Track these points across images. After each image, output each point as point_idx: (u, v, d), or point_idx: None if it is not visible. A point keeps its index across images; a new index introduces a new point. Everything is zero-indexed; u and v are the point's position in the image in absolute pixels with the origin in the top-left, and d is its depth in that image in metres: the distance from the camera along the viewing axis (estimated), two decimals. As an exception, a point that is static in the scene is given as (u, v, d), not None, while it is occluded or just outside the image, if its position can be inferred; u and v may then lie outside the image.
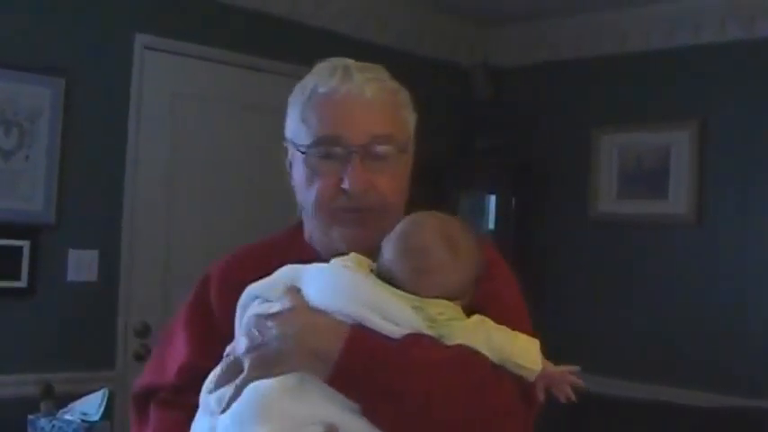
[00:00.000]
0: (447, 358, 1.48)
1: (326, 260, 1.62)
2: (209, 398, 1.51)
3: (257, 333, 1.49)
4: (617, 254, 5.30)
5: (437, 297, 1.54)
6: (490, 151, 5.63)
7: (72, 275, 4.09)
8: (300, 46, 4.85)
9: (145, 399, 1.72)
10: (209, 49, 4.53)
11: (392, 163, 1.69)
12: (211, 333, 1.67)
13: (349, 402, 1.43)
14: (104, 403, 3.49)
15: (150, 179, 4.35)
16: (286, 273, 1.58)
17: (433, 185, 5.43)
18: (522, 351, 1.55)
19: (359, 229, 1.66)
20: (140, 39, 4.29)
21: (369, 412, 1.43)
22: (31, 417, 3.52)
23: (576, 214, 5.47)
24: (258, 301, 1.57)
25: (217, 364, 1.55)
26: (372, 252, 1.60)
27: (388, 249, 1.57)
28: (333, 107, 1.66)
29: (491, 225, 5.56)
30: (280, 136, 1.80)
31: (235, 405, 1.42)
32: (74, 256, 4.09)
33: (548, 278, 5.43)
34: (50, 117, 3.99)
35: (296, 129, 1.71)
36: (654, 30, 5.16)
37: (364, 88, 1.67)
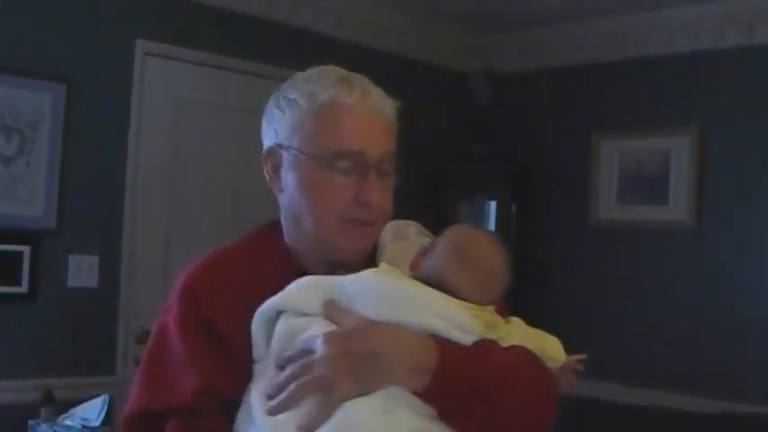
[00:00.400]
0: (521, 359, 1.59)
1: (311, 269, 1.68)
2: (268, 419, 1.46)
3: (331, 351, 1.46)
4: (617, 259, 5.30)
5: (488, 304, 1.63)
6: (490, 157, 5.63)
7: (72, 281, 4.09)
8: (301, 52, 4.86)
9: (141, 423, 1.64)
10: (209, 56, 4.53)
11: (390, 179, 1.73)
12: (219, 349, 1.61)
13: (430, 411, 1.48)
14: (105, 409, 3.49)
15: (151, 185, 4.35)
16: (312, 284, 1.58)
17: (434, 191, 5.44)
18: (553, 345, 1.70)
19: (364, 240, 1.72)
20: (141, 45, 4.30)
21: (462, 417, 1.49)
22: (31, 422, 3.53)
23: (576, 220, 5.48)
24: (287, 315, 1.55)
25: (236, 380, 1.56)
26: (363, 261, 1.68)
27: (448, 260, 1.62)
28: (356, 120, 1.67)
29: (491, 230, 5.56)
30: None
31: (328, 426, 1.42)
32: (74, 261, 4.09)
33: (548, 283, 5.42)
34: (51, 123, 4.00)
35: (299, 135, 1.68)
36: (653, 36, 5.16)
37: (384, 104, 1.71)
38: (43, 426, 3.49)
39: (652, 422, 4.69)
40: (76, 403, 3.57)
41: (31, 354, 3.95)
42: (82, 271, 4.12)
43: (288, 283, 1.60)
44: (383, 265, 1.64)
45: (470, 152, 5.68)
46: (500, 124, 5.77)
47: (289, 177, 1.71)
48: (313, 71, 1.74)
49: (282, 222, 1.78)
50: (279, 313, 1.56)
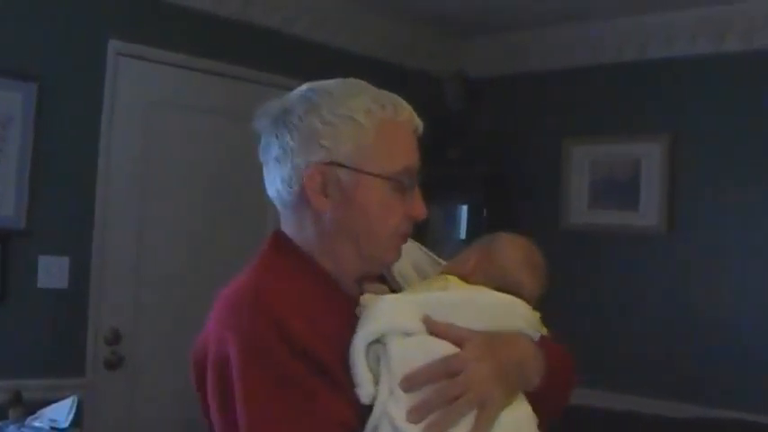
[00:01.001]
0: (561, 348, 1.84)
1: (343, 284, 1.70)
2: None
3: (485, 368, 1.54)
4: (588, 264, 5.33)
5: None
6: (462, 161, 5.64)
7: (42, 282, 4.06)
8: (276, 54, 4.87)
9: None
10: (183, 57, 4.51)
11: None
12: (327, 379, 1.50)
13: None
14: (74, 410, 3.47)
15: (122, 186, 4.33)
16: (407, 304, 1.61)
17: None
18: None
19: (400, 253, 1.76)
20: (113, 45, 4.27)
21: (544, 403, 1.66)
22: (-1, 423, 3.50)
23: (547, 225, 5.49)
24: (392, 337, 1.54)
25: (355, 409, 1.50)
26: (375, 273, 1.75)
27: (520, 268, 1.79)
28: (409, 137, 1.75)
29: (462, 235, 5.56)
30: (253, 144, 1.78)
31: None
32: (44, 262, 4.06)
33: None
34: (22, 122, 3.96)
35: (361, 153, 1.65)
36: (626, 43, 5.20)
37: (418, 120, 1.79)
38: (11, 427, 3.46)
39: (624, 427, 4.71)
40: (45, 404, 3.55)
41: (0, 355, 3.92)
42: (52, 272, 4.09)
43: (339, 303, 1.65)
44: (452, 278, 1.73)
45: (442, 156, 5.68)
46: (472, 129, 5.77)
47: (344, 198, 1.66)
48: (348, 86, 1.72)
49: (311, 240, 1.70)
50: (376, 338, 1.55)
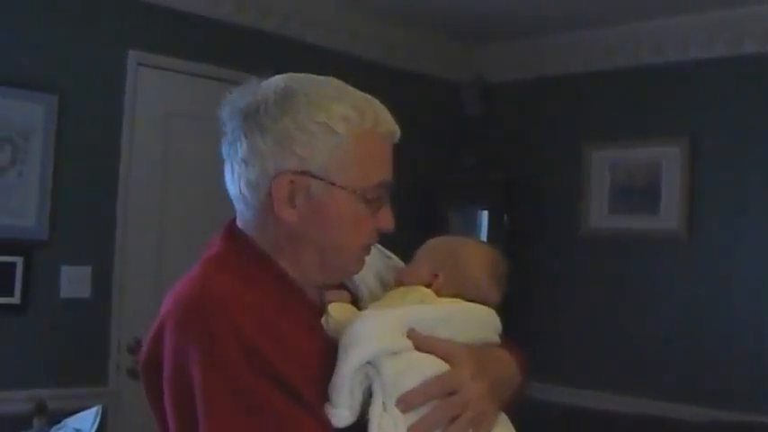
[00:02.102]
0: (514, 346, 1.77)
1: (304, 290, 1.62)
2: None
3: (482, 386, 1.55)
4: (608, 269, 5.31)
5: None
6: (481, 167, 5.64)
7: (65, 292, 4.09)
8: (293, 63, 4.87)
9: None
10: (202, 66, 4.53)
11: None
12: (292, 395, 1.44)
13: None
14: (98, 419, 3.48)
15: (143, 195, 4.36)
16: (390, 322, 1.55)
17: (425, 201, 5.46)
18: None
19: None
20: (133, 55, 4.31)
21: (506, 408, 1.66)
22: (24, 433, 3.52)
23: (567, 229, 5.49)
24: (381, 357, 1.49)
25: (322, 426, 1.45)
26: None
27: (489, 275, 1.77)
28: (385, 150, 1.63)
29: (483, 240, 5.57)
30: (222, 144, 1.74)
31: None
32: (67, 272, 4.09)
33: (539, 293, 5.43)
34: (43, 134, 4.00)
35: (336, 165, 1.55)
36: (643, 46, 5.19)
37: (397, 130, 1.65)
38: (36, 436, 3.49)
39: (641, 430, 4.70)
40: (69, 414, 3.56)
41: (24, 364, 3.94)
42: (74, 282, 4.12)
43: (302, 310, 1.58)
44: (425, 289, 1.69)
45: (461, 162, 5.70)
46: (491, 134, 5.79)
47: (312, 209, 1.56)
48: (327, 88, 1.60)
49: (272, 242, 1.61)
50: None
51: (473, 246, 1.83)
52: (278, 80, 1.64)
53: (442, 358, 1.54)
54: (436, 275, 1.71)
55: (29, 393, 3.76)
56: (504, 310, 1.77)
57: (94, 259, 4.19)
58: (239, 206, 1.66)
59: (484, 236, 5.59)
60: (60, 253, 4.07)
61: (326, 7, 5.03)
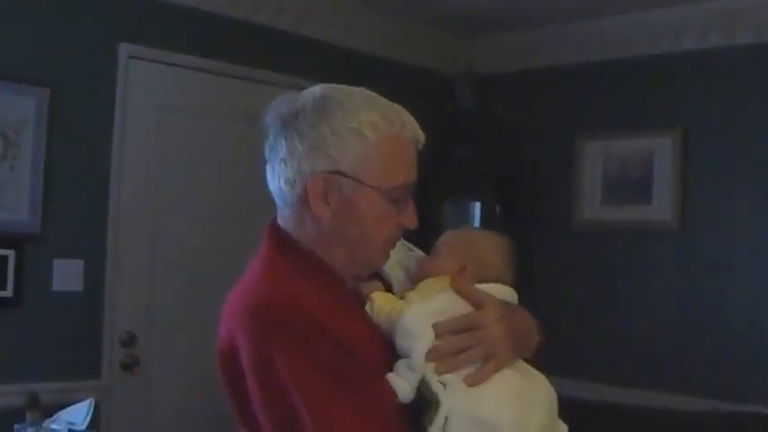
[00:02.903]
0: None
1: (346, 280, 1.82)
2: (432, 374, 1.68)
3: (501, 329, 1.74)
4: (601, 260, 5.32)
5: None
6: (474, 158, 5.64)
7: (57, 285, 4.08)
8: (286, 55, 4.87)
9: None
10: (193, 59, 4.53)
11: None
12: (366, 368, 1.67)
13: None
14: (91, 412, 3.49)
15: (135, 189, 4.35)
16: (427, 320, 1.73)
17: (418, 192, 5.45)
18: None
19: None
20: (125, 48, 4.29)
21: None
22: (17, 426, 3.51)
23: (560, 221, 5.50)
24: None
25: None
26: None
27: (505, 260, 1.95)
28: (410, 153, 1.84)
29: (477, 231, 5.57)
30: (264, 146, 1.82)
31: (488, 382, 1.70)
32: (59, 265, 4.09)
33: (532, 284, 5.43)
34: (35, 127, 3.99)
35: (365, 167, 1.73)
36: (637, 37, 5.19)
37: (422, 135, 1.87)
38: (29, 430, 3.48)
39: (638, 421, 4.70)
40: (62, 407, 3.56)
41: (17, 358, 3.94)
42: (67, 275, 4.11)
43: (348, 298, 1.79)
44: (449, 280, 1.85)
45: (455, 154, 5.69)
46: (484, 126, 5.79)
47: (343, 205, 1.74)
48: (359, 98, 1.78)
49: (311, 237, 1.79)
50: None
51: (486, 235, 2.02)
52: (315, 90, 1.80)
53: (473, 305, 1.77)
54: (464, 267, 1.86)
55: (21, 387, 3.75)
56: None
57: (87, 253, 4.19)
58: (279, 203, 1.82)
59: (477, 227, 5.59)
60: (53, 246, 4.06)
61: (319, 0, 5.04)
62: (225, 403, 1.76)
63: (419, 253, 2.01)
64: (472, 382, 1.68)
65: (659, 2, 4.91)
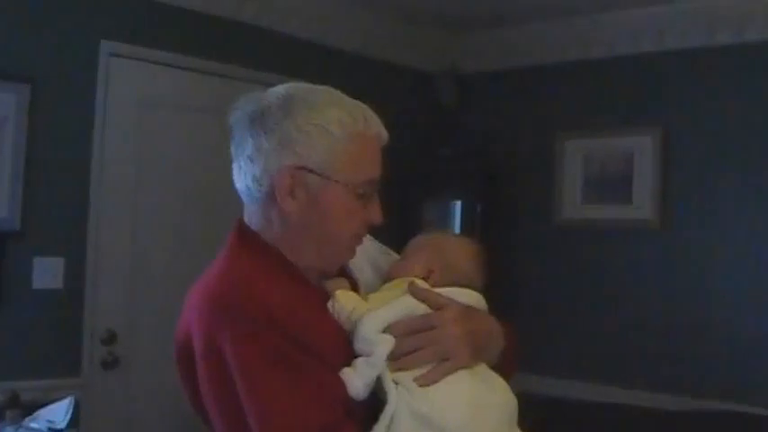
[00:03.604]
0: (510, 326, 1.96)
1: (309, 277, 1.84)
2: (385, 372, 1.70)
3: (458, 329, 1.76)
4: (582, 258, 5.34)
5: None
6: (455, 157, 5.65)
7: (38, 283, 4.05)
8: (268, 53, 4.87)
9: None
10: (175, 56, 4.51)
11: None
12: (322, 361, 1.69)
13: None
14: (71, 411, 3.47)
15: (116, 186, 4.33)
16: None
17: (399, 191, 5.45)
18: None
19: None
20: (106, 45, 4.27)
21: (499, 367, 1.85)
22: (-4, 425, 3.50)
23: (540, 220, 5.52)
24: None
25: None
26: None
27: (475, 266, 1.98)
28: (375, 149, 1.84)
29: (457, 231, 5.58)
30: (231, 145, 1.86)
31: (440, 383, 1.71)
32: (39, 263, 4.06)
33: (513, 283, 5.45)
34: (15, 124, 3.96)
35: (332, 163, 1.76)
36: (618, 36, 5.21)
37: (386, 133, 1.86)
38: (8, 428, 3.46)
39: (619, 420, 4.72)
40: (42, 405, 3.55)
41: (-4, 356, 3.92)
42: (47, 273, 4.09)
43: (311, 294, 1.80)
44: (418, 280, 1.87)
45: (436, 152, 5.70)
46: (465, 124, 5.80)
47: (310, 200, 1.78)
48: (325, 96, 1.81)
49: (277, 235, 1.82)
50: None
51: (457, 240, 2.05)
52: (279, 89, 1.84)
53: (431, 308, 1.79)
54: (432, 271, 1.90)
55: (1, 385, 3.73)
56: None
57: (67, 250, 4.17)
58: (246, 200, 1.86)
59: (457, 226, 5.61)
60: (33, 244, 4.03)
61: (301, -3, 5.03)
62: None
63: (395, 256, 2.05)
64: (423, 382, 1.70)
65: (641, 1, 4.93)
